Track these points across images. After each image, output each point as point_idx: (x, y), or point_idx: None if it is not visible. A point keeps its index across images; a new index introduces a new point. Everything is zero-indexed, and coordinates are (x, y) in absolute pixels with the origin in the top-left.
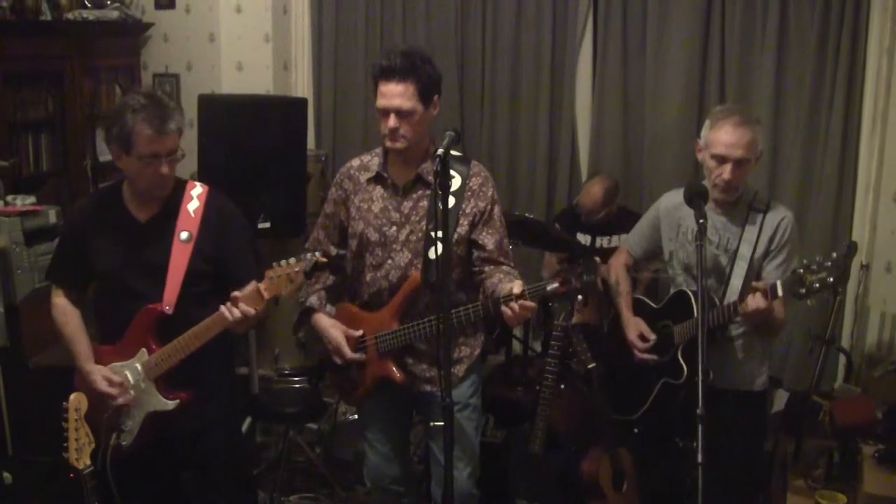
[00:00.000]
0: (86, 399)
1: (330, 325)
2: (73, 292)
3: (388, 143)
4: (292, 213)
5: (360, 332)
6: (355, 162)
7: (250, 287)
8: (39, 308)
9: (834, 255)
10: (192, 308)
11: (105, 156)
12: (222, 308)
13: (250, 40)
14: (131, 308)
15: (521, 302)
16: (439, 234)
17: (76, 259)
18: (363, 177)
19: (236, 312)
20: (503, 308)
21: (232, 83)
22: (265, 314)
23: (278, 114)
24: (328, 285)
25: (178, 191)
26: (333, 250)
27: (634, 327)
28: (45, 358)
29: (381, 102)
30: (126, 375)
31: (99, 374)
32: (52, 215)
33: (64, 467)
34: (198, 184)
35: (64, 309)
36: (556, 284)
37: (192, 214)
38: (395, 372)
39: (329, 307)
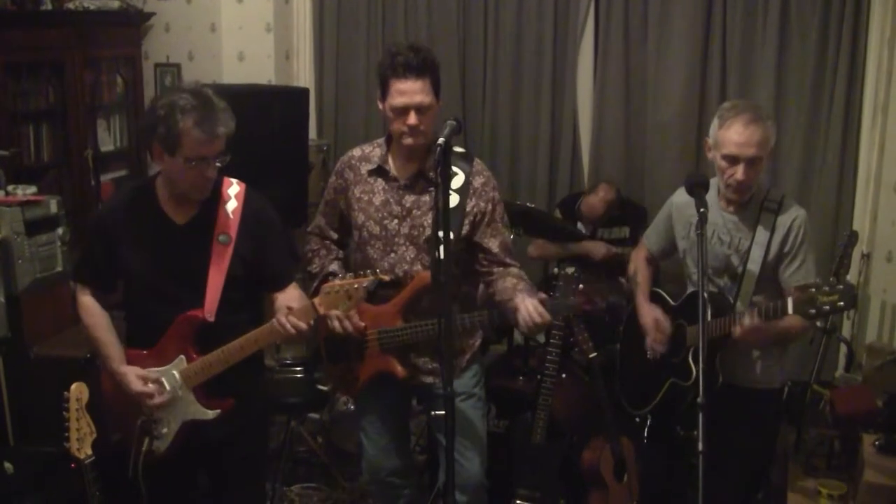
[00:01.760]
0: (87, 389)
1: None
2: (101, 293)
3: (410, 141)
4: (294, 204)
5: (363, 325)
6: (356, 152)
7: (301, 301)
8: (40, 298)
9: (848, 278)
10: (229, 315)
11: (106, 146)
12: (274, 322)
13: (252, 30)
14: (166, 313)
15: (542, 314)
16: (440, 230)
17: (105, 259)
18: (364, 168)
19: (289, 327)
20: (520, 318)
21: (233, 73)
22: (311, 333)
23: (280, 104)
24: (340, 258)
25: (214, 189)
26: (334, 235)
27: (650, 312)
28: (46, 348)
29: (401, 101)
30: (162, 382)
31: (133, 374)
32: (53, 205)
33: (65, 457)
34: (234, 181)
35: (91, 310)
36: (580, 301)
37: (231, 216)
38: (398, 367)
39: (349, 276)
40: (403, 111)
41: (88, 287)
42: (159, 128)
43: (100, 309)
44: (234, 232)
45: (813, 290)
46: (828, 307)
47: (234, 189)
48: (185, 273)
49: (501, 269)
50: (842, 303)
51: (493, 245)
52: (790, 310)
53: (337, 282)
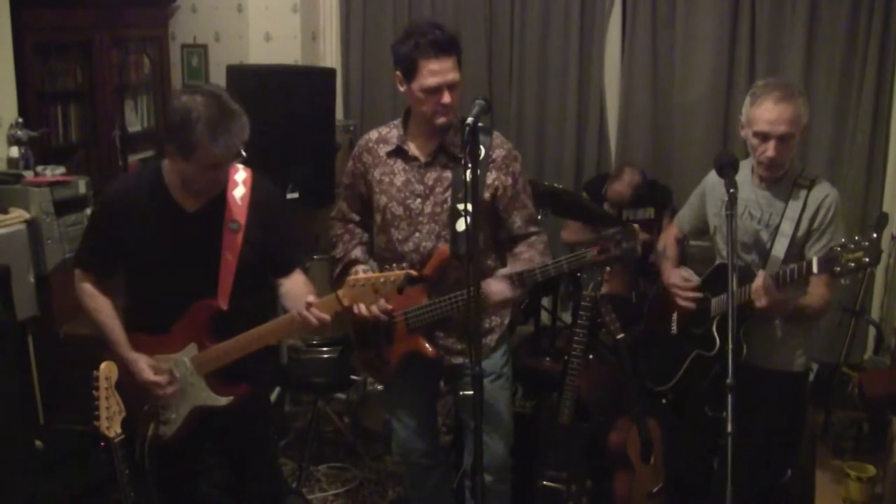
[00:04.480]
0: (116, 368)
1: None
2: (103, 279)
3: (444, 120)
4: (321, 184)
5: (389, 307)
6: (373, 135)
7: (307, 287)
8: (69, 278)
9: (874, 234)
10: (242, 301)
11: (133, 126)
12: (295, 314)
13: (278, 10)
14: (177, 301)
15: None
16: (468, 206)
17: (110, 246)
18: (382, 150)
19: (312, 320)
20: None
21: (260, 54)
22: (334, 324)
23: (307, 84)
24: (364, 241)
25: None
26: (357, 217)
27: (677, 272)
28: (76, 327)
29: (435, 80)
30: (172, 370)
31: (144, 363)
32: (81, 185)
33: (95, 436)
34: (240, 167)
35: (93, 295)
36: (594, 252)
37: (240, 202)
38: (427, 347)
39: (372, 262)
40: (437, 91)
41: (90, 273)
42: (176, 136)
43: (102, 295)
44: (243, 219)
45: (838, 248)
46: (853, 264)
47: (240, 175)
48: (197, 261)
49: (522, 246)
50: (867, 259)
51: (517, 219)
52: (815, 268)
53: (362, 275)
